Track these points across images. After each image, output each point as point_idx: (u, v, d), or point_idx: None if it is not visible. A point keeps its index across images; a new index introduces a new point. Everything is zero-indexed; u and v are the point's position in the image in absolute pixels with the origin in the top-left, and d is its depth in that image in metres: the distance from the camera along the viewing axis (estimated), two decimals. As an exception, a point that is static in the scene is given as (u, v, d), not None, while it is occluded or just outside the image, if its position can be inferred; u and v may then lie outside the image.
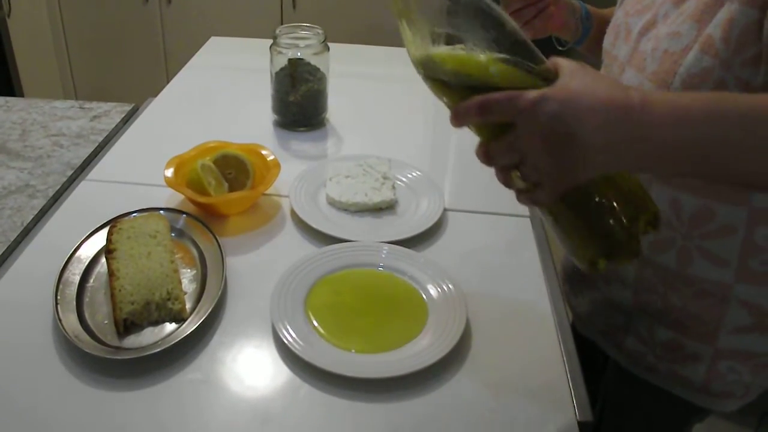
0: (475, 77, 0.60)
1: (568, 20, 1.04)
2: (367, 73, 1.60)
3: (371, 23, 2.86)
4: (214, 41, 1.73)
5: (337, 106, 1.33)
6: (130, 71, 3.08)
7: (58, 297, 0.80)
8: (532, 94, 0.56)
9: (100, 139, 1.21)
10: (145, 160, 1.13)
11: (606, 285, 0.92)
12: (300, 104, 1.25)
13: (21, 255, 0.91)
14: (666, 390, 0.90)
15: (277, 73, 1.24)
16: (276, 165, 1.03)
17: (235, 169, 1.02)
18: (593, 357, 1.03)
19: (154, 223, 0.90)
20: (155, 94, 1.41)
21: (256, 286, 0.86)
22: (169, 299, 0.79)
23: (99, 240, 0.90)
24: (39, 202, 1.02)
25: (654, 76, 0.75)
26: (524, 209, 1.05)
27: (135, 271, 0.81)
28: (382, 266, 0.90)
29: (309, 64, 1.23)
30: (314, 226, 0.96)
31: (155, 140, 1.22)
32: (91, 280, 0.85)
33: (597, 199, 0.64)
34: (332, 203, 1.04)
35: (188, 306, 0.81)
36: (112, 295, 0.79)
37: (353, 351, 0.77)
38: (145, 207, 0.96)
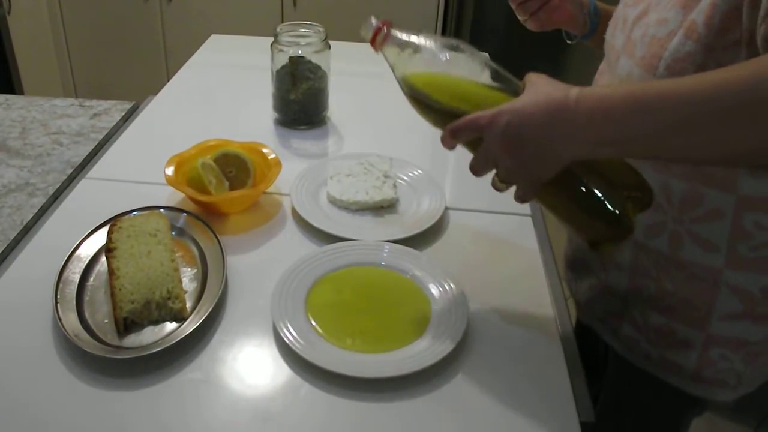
0: (446, 102, 0.74)
1: (575, 14, 1.05)
2: (368, 71, 1.59)
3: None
4: (214, 39, 1.73)
5: (338, 105, 1.33)
6: (131, 69, 3.08)
7: (58, 296, 0.80)
8: (489, 112, 0.68)
9: (101, 137, 1.21)
10: (146, 159, 1.13)
11: (603, 271, 0.93)
12: (301, 102, 1.25)
13: (21, 254, 0.91)
14: (660, 379, 0.91)
15: (277, 71, 1.23)
16: (277, 163, 1.03)
17: (236, 168, 1.02)
18: (595, 351, 1.04)
19: (154, 221, 0.90)
20: (156, 92, 1.41)
21: (257, 285, 0.86)
22: (169, 298, 0.79)
23: (99, 239, 0.90)
24: (39, 201, 1.02)
25: (642, 61, 0.77)
26: (525, 208, 1.05)
27: (135, 270, 0.81)
28: (383, 265, 0.90)
29: (310, 62, 1.23)
30: (315, 224, 0.96)
31: (156, 138, 1.22)
32: (91, 279, 0.85)
33: (582, 188, 0.72)
34: (333, 202, 1.03)
35: (189, 305, 0.81)
36: (113, 294, 0.78)
37: (354, 350, 0.77)
38: (145, 205, 0.96)
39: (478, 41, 2.90)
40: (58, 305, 0.78)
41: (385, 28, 0.79)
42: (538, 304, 0.87)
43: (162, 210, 0.95)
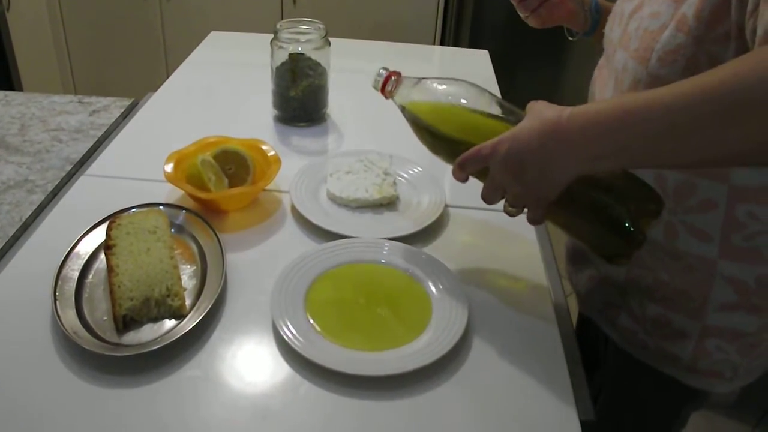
0: (454, 135, 0.80)
1: (576, 10, 1.07)
2: (368, 68, 1.59)
3: (372, 18, 2.86)
4: (214, 36, 1.73)
5: (337, 102, 1.33)
6: (130, 65, 3.08)
7: (57, 293, 0.79)
8: (491, 141, 0.72)
9: (100, 134, 1.21)
10: (145, 156, 1.13)
11: (602, 262, 0.93)
12: (300, 99, 1.24)
13: (20, 251, 0.90)
14: (657, 370, 0.91)
15: (277, 68, 1.23)
16: (276, 160, 1.03)
17: (236, 165, 1.01)
18: (596, 344, 1.04)
19: (153, 218, 0.90)
20: (155, 89, 1.40)
21: (256, 282, 0.86)
22: (168, 296, 0.79)
23: (98, 236, 0.89)
24: (38, 198, 1.02)
25: (635, 54, 0.79)
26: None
27: (134, 267, 0.80)
28: (383, 262, 0.89)
29: (310, 59, 1.23)
30: (315, 222, 0.96)
31: (155, 135, 1.22)
32: (90, 276, 0.85)
33: (590, 203, 0.74)
34: (333, 199, 1.03)
35: (188, 302, 0.81)
36: (111, 292, 0.78)
37: (354, 348, 0.77)
38: (144, 202, 0.95)
39: (477, 40, 2.92)
40: (57, 302, 0.78)
41: (393, 76, 0.88)
42: (538, 301, 0.87)
43: (161, 207, 0.95)
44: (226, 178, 1.00)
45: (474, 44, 2.72)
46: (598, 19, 1.06)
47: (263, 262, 0.90)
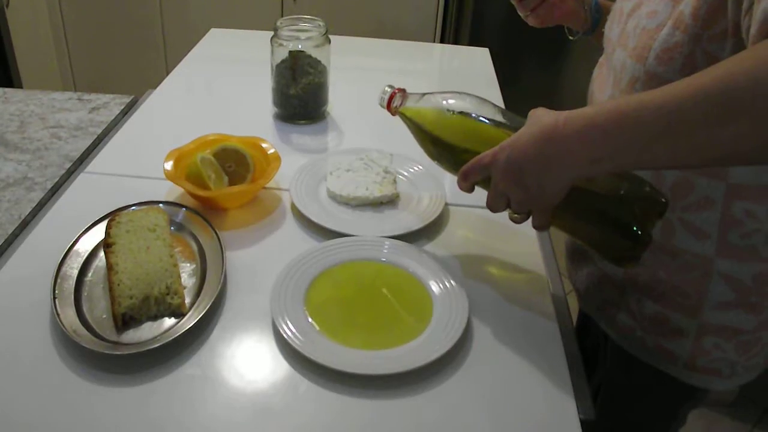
0: (459, 143, 0.82)
1: (576, 10, 1.07)
2: (368, 65, 1.59)
3: (372, 16, 2.85)
4: (214, 33, 1.72)
5: (338, 99, 1.33)
6: (130, 62, 3.07)
7: (56, 291, 0.79)
8: (491, 150, 0.73)
9: (99, 131, 1.21)
10: (144, 153, 1.12)
11: (601, 259, 0.94)
12: (301, 97, 1.24)
13: (19, 248, 0.90)
14: (656, 368, 0.92)
15: (277, 66, 1.23)
16: (276, 158, 1.02)
17: (235, 163, 1.01)
18: (596, 341, 1.04)
19: (153, 216, 0.89)
20: (155, 86, 1.40)
21: (256, 280, 0.86)
22: (168, 294, 0.79)
23: (97, 233, 0.89)
24: (37, 195, 1.01)
25: (633, 52, 0.79)
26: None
27: (134, 266, 0.80)
28: (383, 261, 0.89)
29: (310, 56, 1.22)
30: (315, 220, 0.95)
31: (154, 132, 1.21)
32: (90, 274, 0.84)
33: (593, 206, 0.75)
34: (333, 197, 1.03)
35: (187, 301, 0.81)
36: (111, 290, 0.78)
37: (354, 347, 0.76)
38: (144, 200, 0.95)
39: (477, 37, 2.92)
40: (57, 301, 0.78)
41: (398, 92, 0.91)
42: (538, 300, 0.87)
43: (161, 205, 0.94)
44: (225, 175, 1.00)
45: (474, 42, 2.71)
46: (599, 18, 1.06)
47: (263, 260, 0.90)
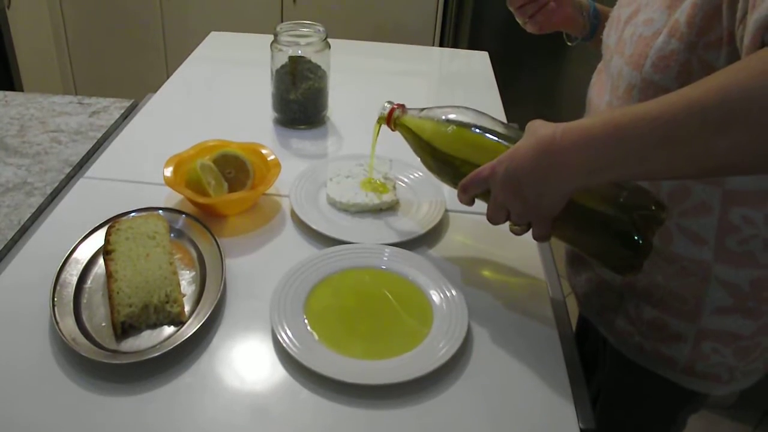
0: (459, 155, 0.83)
1: (575, 16, 1.07)
2: (368, 69, 1.59)
3: (372, 19, 2.85)
4: (214, 36, 1.72)
5: (337, 105, 1.32)
6: (131, 64, 3.07)
7: (55, 299, 0.79)
8: (489, 164, 0.74)
9: (99, 135, 1.21)
10: (144, 158, 1.12)
11: (601, 266, 0.94)
12: (300, 102, 1.24)
13: (18, 254, 0.90)
14: (654, 372, 0.92)
15: (277, 71, 1.23)
16: (276, 165, 1.02)
17: (235, 169, 1.01)
18: (595, 347, 1.05)
19: (153, 223, 0.89)
20: (155, 89, 1.40)
21: (256, 288, 0.86)
22: (167, 302, 0.79)
23: (97, 240, 0.89)
24: (36, 200, 1.01)
25: (630, 59, 0.80)
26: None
27: (133, 273, 0.80)
28: (383, 268, 0.89)
29: (310, 61, 1.22)
30: (314, 227, 0.95)
31: (154, 137, 1.21)
32: (89, 282, 0.84)
33: (593, 217, 0.75)
34: (333, 204, 1.03)
35: (187, 308, 0.81)
36: (110, 298, 0.78)
37: (354, 357, 0.76)
38: (143, 206, 0.95)
39: (477, 41, 2.92)
40: (56, 308, 0.78)
41: (398, 108, 0.91)
42: (538, 306, 0.87)
43: (161, 211, 0.94)
44: (225, 182, 1.00)
45: (473, 45, 2.71)
46: (597, 24, 1.07)
47: (263, 267, 0.90)
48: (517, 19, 1.09)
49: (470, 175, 0.77)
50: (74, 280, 0.83)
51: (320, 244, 0.94)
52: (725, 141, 0.57)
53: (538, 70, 2.95)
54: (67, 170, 1.09)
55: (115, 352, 0.75)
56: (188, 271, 0.87)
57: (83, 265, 0.86)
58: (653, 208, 0.74)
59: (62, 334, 0.74)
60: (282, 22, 1.25)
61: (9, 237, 0.93)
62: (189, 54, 1.59)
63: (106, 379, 0.72)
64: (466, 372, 0.76)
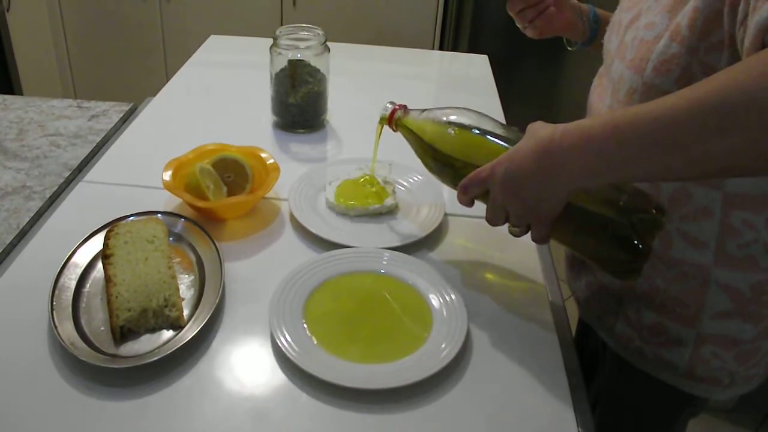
0: (459, 156, 0.82)
1: (575, 21, 1.07)
2: (368, 72, 1.59)
3: (372, 22, 2.86)
4: (213, 39, 1.72)
5: (337, 108, 1.32)
6: (130, 68, 3.07)
7: (54, 303, 0.79)
8: (489, 165, 0.74)
9: (98, 139, 1.20)
10: (143, 162, 1.12)
11: (600, 270, 0.93)
12: (300, 106, 1.24)
13: (17, 259, 0.90)
14: (654, 377, 0.91)
15: (276, 74, 1.23)
16: (275, 168, 1.02)
17: (234, 173, 1.01)
18: (596, 351, 1.05)
19: (151, 227, 0.89)
20: (154, 92, 1.40)
21: (255, 292, 0.86)
22: (166, 306, 0.79)
23: (96, 244, 0.89)
24: (35, 204, 1.01)
25: (631, 64, 0.79)
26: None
27: (132, 277, 0.80)
28: (383, 272, 0.89)
29: (309, 65, 1.22)
30: (314, 231, 0.95)
31: (153, 141, 1.21)
32: (88, 286, 0.84)
33: (592, 219, 0.75)
34: (332, 207, 1.03)
35: (186, 313, 0.81)
36: (109, 302, 0.78)
37: (353, 361, 0.76)
38: (142, 210, 0.95)
39: (476, 45, 2.92)
40: (54, 312, 0.78)
41: (400, 109, 0.92)
42: (537, 310, 0.87)
43: (159, 215, 0.94)
44: (224, 186, 1.00)
45: (473, 48, 2.71)
46: (597, 29, 1.07)
47: (262, 271, 0.90)
48: (517, 24, 1.09)
49: (470, 175, 0.77)
50: (73, 284, 0.83)
51: (319, 248, 0.94)
52: (725, 143, 0.57)
53: (537, 73, 2.95)
54: (66, 174, 1.09)
55: (113, 356, 0.74)
56: (187, 275, 0.87)
57: (82, 269, 0.86)
58: (653, 211, 0.74)
59: (61, 338, 0.74)
60: (281, 25, 1.24)
61: (8, 241, 0.93)
62: (188, 57, 1.59)
63: (104, 383, 0.72)
64: (465, 376, 0.76)
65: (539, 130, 0.69)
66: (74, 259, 0.87)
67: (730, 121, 0.56)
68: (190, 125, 1.27)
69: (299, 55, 1.21)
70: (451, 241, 0.99)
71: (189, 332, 0.77)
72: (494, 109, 1.39)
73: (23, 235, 0.96)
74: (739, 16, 0.66)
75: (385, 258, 0.91)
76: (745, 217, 0.78)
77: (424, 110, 0.89)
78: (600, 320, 0.97)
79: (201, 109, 1.36)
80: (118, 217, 0.93)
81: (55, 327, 0.75)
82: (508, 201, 0.73)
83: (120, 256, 0.83)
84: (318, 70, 1.23)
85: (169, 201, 1.01)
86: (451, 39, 2.87)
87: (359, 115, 1.35)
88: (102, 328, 0.78)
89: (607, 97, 0.88)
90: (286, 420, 0.70)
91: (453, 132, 0.83)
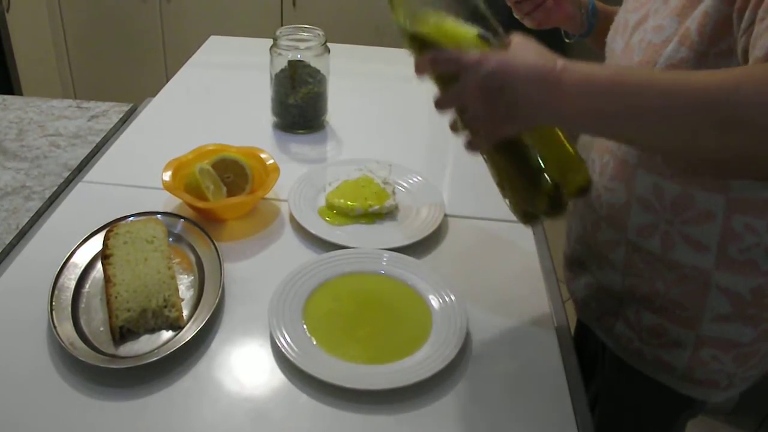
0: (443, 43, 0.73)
1: (573, 14, 1.07)
2: (368, 73, 1.59)
3: (372, 20, 2.85)
4: (213, 40, 1.72)
5: (337, 109, 1.32)
6: (130, 68, 3.07)
7: (54, 303, 0.79)
8: (475, 53, 0.68)
9: (98, 139, 1.20)
10: (143, 162, 1.12)
11: (599, 269, 0.94)
12: (300, 106, 1.24)
13: (16, 259, 0.90)
14: (653, 378, 0.91)
15: (276, 75, 1.23)
16: (275, 169, 1.02)
17: (234, 173, 1.01)
18: (594, 351, 1.05)
19: (151, 228, 0.89)
20: (154, 93, 1.40)
21: (254, 292, 0.86)
22: (165, 306, 0.79)
23: (95, 244, 0.89)
24: (35, 204, 1.01)
25: (638, 65, 0.79)
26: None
27: (131, 278, 0.80)
28: (382, 273, 0.89)
29: (309, 66, 1.22)
30: (313, 232, 0.95)
31: (153, 141, 1.21)
32: (87, 286, 0.84)
33: (530, 155, 0.74)
34: (332, 208, 1.02)
35: (185, 313, 0.81)
36: (108, 302, 0.78)
37: (353, 361, 0.76)
38: (142, 210, 0.95)
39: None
40: (54, 313, 0.78)
41: None
42: (537, 312, 0.87)
43: (159, 216, 0.94)
44: (224, 186, 1.00)
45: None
46: (595, 22, 1.06)
47: (261, 272, 0.90)
48: (515, 14, 1.09)
49: (451, 52, 0.70)
50: (72, 284, 0.83)
51: (319, 248, 0.94)
52: (722, 139, 0.59)
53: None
54: (66, 174, 1.09)
55: (113, 356, 0.74)
56: (187, 276, 0.87)
57: (81, 269, 0.86)
58: (583, 177, 0.76)
59: (60, 338, 0.74)
60: (281, 26, 1.24)
61: (7, 241, 0.93)
62: (188, 58, 1.59)
63: (104, 383, 0.72)
64: (465, 377, 0.76)
65: (540, 52, 0.67)
66: (74, 259, 0.87)
67: (734, 121, 0.57)
68: (189, 126, 1.27)
69: (299, 56, 1.21)
70: (451, 243, 0.99)
71: (188, 333, 0.76)
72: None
73: (23, 235, 0.96)
74: (743, 24, 0.66)
75: (385, 259, 0.91)
76: (748, 221, 0.78)
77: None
78: (599, 321, 0.97)
79: (201, 109, 1.35)
80: (118, 217, 0.93)
81: (55, 327, 0.75)
82: (477, 99, 0.68)
83: (119, 257, 0.83)
84: (318, 71, 1.23)
85: (168, 201, 1.01)
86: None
87: (359, 116, 1.35)
88: (101, 329, 0.78)
89: None
90: (285, 421, 0.70)
91: (442, 20, 0.75)
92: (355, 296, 0.86)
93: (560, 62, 0.66)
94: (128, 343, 0.77)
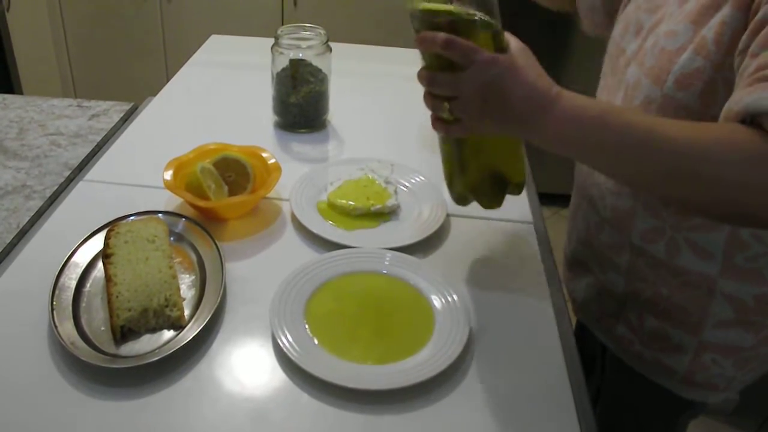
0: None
1: None
2: (370, 73, 1.59)
3: (373, 19, 2.85)
4: (214, 39, 1.72)
5: (338, 108, 1.32)
6: (130, 68, 3.07)
7: (54, 302, 0.79)
8: (489, 54, 0.70)
9: (99, 138, 1.20)
10: (144, 161, 1.12)
11: (602, 272, 0.94)
12: (301, 106, 1.24)
13: (16, 258, 0.90)
14: (652, 381, 0.92)
15: (278, 74, 1.22)
16: (277, 168, 1.02)
17: (236, 173, 1.01)
18: (593, 352, 1.05)
19: (152, 227, 0.89)
20: (155, 92, 1.39)
21: (256, 292, 0.85)
22: (167, 306, 0.78)
23: (96, 244, 0.88)
24: (35, 204, 1.01)
25: (650, 71, 0.78)
26: (527, 216, 1.04)
27: (133, 277, 0.80)
28: (385, 273, 0.89)
29: (311, 65, 1.22)
30: (315, 231, 0.95)
31: (154, 140, 1.21)
32: (88, 285, 0.84)
33: (491, 151, 0.82)
34: (333, 208, 1.02)
35: (187, 313, 0.80)
36: (109, 302, 0.77)
37: (354, 361, 0.76)
38: (143, 209, 0.95)
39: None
40: (54, 312, 0.77)
41: None
42: (539, 312, 0.86)
43: (160, 215, 0.94)
44: (225, 186, 0.99)
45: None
46: None
47: (263, 271, 0.90)
48: None
49: (468, 44, 0.69)
50: (73, 283, 0.83)
51: (321, 248, 0.94)
52: (684, 191, 0.65)
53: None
54: (67, 173, 1.09)
55: (114, 356, 0.74)
56: (188, 275, 0.87)
57: (82, 268, 0.85)
58: (522, 183, 0.87)
59: (61, 338, 0.74)
60: (282, 25, 1.24)
61: (8, 241, 0.92)
62: (189, 57, 1.59)
63: (105, 383, 0.72)
64: (467, 377, 0.76)
65: (539, 69, 0.71)
66: (74, 258, 0.86)
67: (698, 180, 0.63)
68: (191, 125, 1.27)
69: (301, 55, 1.21)
70: (453, 242, 0.98)
71: (190, 332, 0.76)
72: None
73: (23, 234, 0.95)
74: (740, 45, 0.66)
75: (387, 258, 0.90)
76: (755, 230, 0.77)
77: None
78: (599, 322, 0.97)
79: (202, 108, 1.35)
80: (119, 216, 0.93)
81: (56, 327, 0.75)
82: (477, 94, 0.70)
83: (120, 256, 0.83)
84: (320, 70, 1.23)
85: (170, 200, 1.01)
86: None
87: (361, 115, 1.35)
88: (102, 328, 0.78)
89: (617, 101, 0.86)
90: (286, 421, 0.70)
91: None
92: (356, 296, 0.86)
93: (556, 88, 0.69)
94: (129, 342, 0.76)
